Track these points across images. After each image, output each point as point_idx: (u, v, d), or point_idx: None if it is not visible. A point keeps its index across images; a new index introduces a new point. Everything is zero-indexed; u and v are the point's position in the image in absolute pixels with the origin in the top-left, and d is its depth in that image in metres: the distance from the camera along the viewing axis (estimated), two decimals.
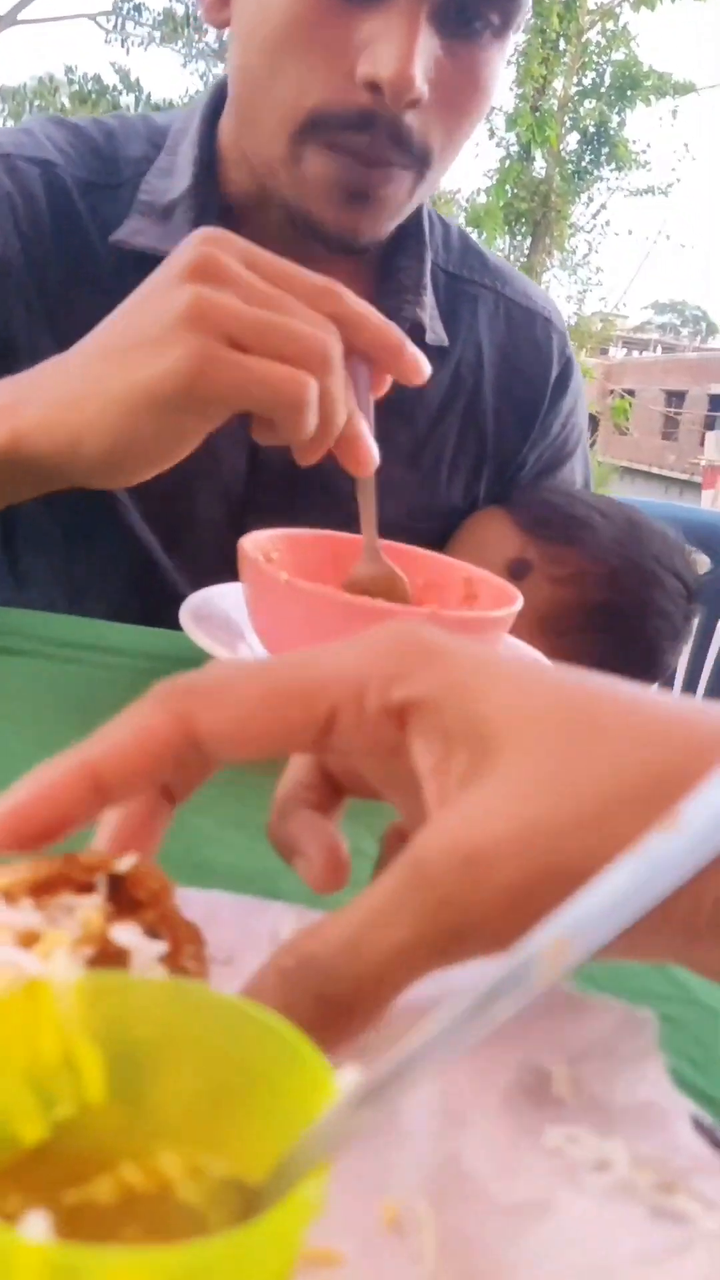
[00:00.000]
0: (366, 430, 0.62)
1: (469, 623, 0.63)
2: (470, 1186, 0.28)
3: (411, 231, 0.89)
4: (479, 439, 0.95)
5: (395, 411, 0.87)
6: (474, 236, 1.01)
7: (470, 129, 0.80)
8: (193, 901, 0.38)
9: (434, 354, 0.88)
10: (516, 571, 0.92)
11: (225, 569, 0.86)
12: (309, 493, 0.85)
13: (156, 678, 0.66)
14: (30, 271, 0.82)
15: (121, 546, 0.86)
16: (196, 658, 0.65)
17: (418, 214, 0.89)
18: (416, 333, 0.86)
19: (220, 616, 0.69)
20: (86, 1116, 0.25)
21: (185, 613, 0.66)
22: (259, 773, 0.58)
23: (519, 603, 0.66)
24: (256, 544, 0.68)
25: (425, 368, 0.62)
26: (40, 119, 0.88)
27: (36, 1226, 0.19)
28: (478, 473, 0.96)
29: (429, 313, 0.88)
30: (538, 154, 10.56)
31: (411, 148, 0.76)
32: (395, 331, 0.61)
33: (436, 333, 0.89)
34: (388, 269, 0.89)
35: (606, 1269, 0.26)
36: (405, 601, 0.66)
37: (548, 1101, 0.31)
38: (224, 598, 0.71)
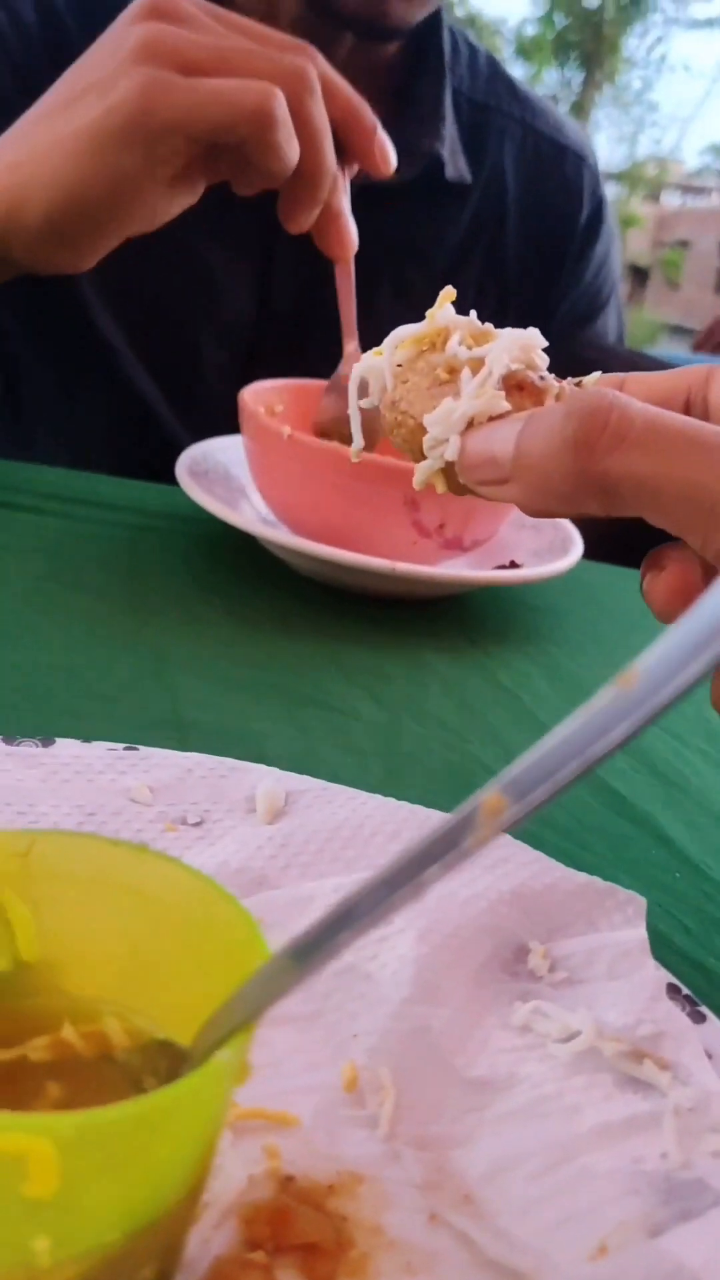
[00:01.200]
0: (346, 206, 0.57)
1: None
2: (434, 1057, 0.27)
3: (431, 55, 0.81)
4: (501, 283, 0.88)
5: (408, 251, 0.81)
6: (517, 68, 0.92)
7: None
8: (163, 763, 0.36)
9: (453, 191, 0.82)
10: None
11: (231, 420, 0.83)
12: (318, 338, 0.80)
13: (152, 534, 0.65)
14: (25, 98, 0.76)
15: (123, 399, 0.82)
16: (195, 514, 0.63)
17: (439, 34, 0.82)
18: (434, 168, 0.80)
19: (220, 471, 0.67)
20: (21, 973, 0.24)
21: (182, 468, 0.63)
22: (252, 634, 0.56)
23: None
24: (259, 395, 0.65)
25: (392, 159, 0.57)
26: None
27: None
28: (501, 321, 0.90)
29: (449, 146, 0.81)
30: None
31: None
32: (369, 113, 0.55)
33: (458, 168, 0.82)
34: (405, 96, 0.81)
35: (564, 1144, 0.26)
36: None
37: (523, 976, 0.30)
38: (224, 451, 0.68)
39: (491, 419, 0.30)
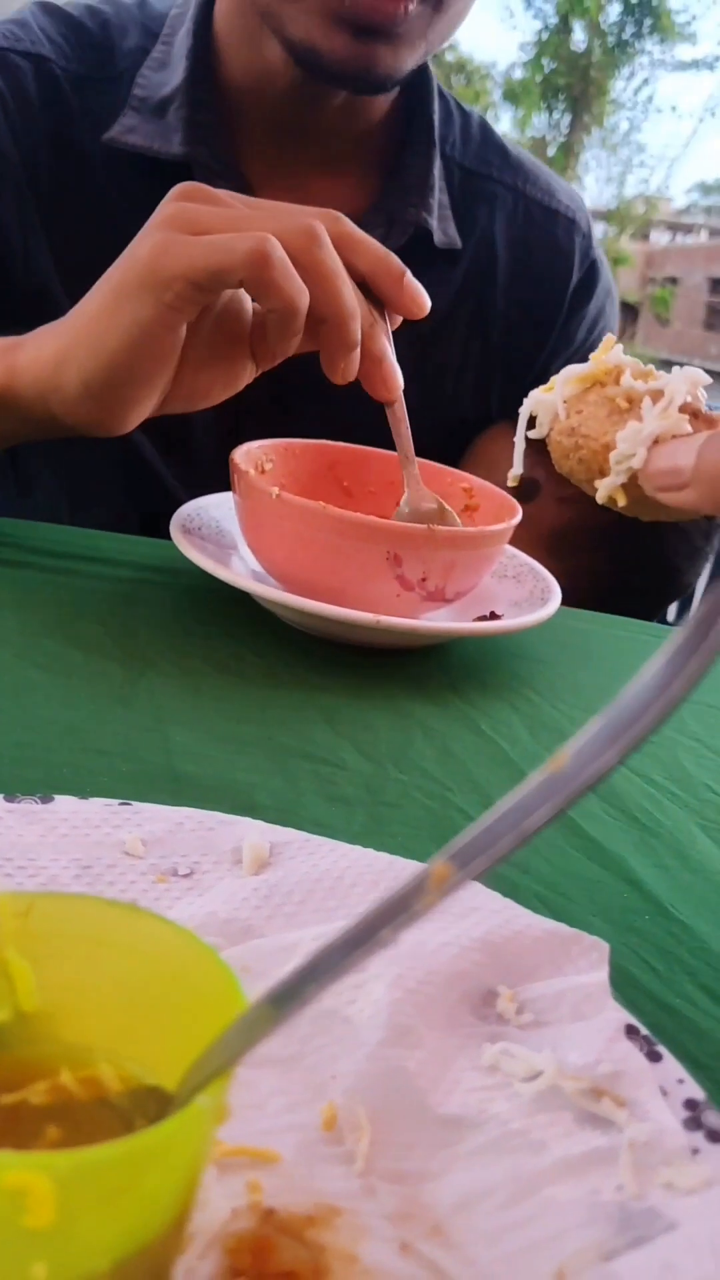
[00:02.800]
0: (390, 351, 0.60)
1: (466, 538, 0.62)
2: (408, 1097, 0.29)
3: (420, 125, 0.84)
4: (488, 348, 0.91)
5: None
6: (506, 112, 0.96)
7: None
8: (156, 817, 0.38)
9: (442, 257, 0.85)
10: (525, 491, 0.89)
11: (222, 473, 0.86)
12: (303, 395, 0.83)
13: (147, 589, 0.67)
14: (24, 169, 0.80)
15: (120, 453, 0.85)
16: (188, 568, 0.65)
17: (429, 103, 0.85)
18: (421, 236, 0.82)
19: (211, 527, 0.69)
20: (22, 1024, 0.26)
21: (175, 525, 0.66)
22: (242, 686, 0.58)
23: (518, 516, 0.65)
24: (249, 455, 0.67)
25: (425, 301, 0.60)
26: (33, 6, 0.84)
27: None
28: (488, 384, 0.92)
29: (436, 214, 0.84)
30: (576, 25, 9.99)
31: None
32: (396, 260, 0.59)
33: (447, 234, 0.85)
34: (394, 166, 0.85)
35: (530, 1177, 0.28)
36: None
37: (491, 1019, 0.32)
38: (216, 508, 0.71)
39: (673, 438, 0.36)
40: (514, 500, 0.67)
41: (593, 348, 0.98)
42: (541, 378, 0.94)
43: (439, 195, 0.84)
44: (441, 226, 0.84)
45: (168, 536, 0.72)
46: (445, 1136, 0.29)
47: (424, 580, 0.62)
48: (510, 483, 0.45)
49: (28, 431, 0.65)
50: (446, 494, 0.71)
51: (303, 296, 0.55)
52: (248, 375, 0.62)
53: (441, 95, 0.87)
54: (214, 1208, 0.26)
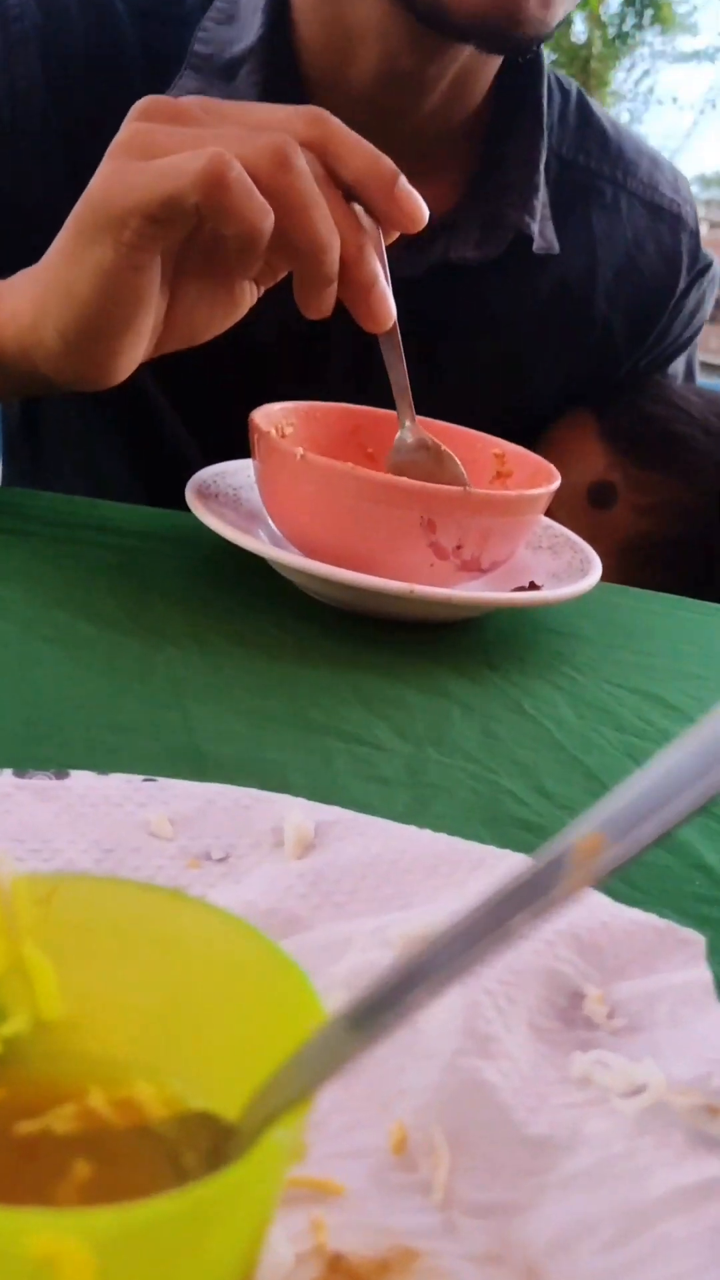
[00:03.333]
0: (381, 276, 0.54)
1: (504, 503, 0.58)
2: (490, 1115, 0.25)
3: (529, 108, 0.72)
4: (583, 354, 0.82)
5: (482, 322, 0.76)
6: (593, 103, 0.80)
7: None
8: (184, 794, 0.34)
9: (537, 261, 0.75)
10: (598, 498, 0.80)
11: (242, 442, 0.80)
12: (337, 361, 0.77)
13: (162, 560, 0.63)
14: (59, 119, 0.71)
15: (143, 425, 0.80)
16: (204, 538, 0.61)
17: (539, 84, 0.73)
18: (522, 242, 0.73)
19: (230, 494, 0.65)
20: (43, 1034, 0.22)
21: (191, 490, 0.62)
22: (267, 661, 0.54)
23: (556, 481, 0.61)
24: (269, 417, 0.63)
25: (421, 212, 0.52)
26: None
27: None
28: (576, 382, 0.83)
29: (539, 215, 0.72)
30: (577, 17, 9.93)
31: None
32: (386, 165, 0.52)
33: (546, 238, 0.74)
34: (494, 159, 0.73)
35: (638, 1211, 0.23)
36: (457, 483, 0.61)
37: (578, 1024, 0.28)
38: (235, 474, 0.67)
39: None
40: (550, 466, 0.63)
41: (682, 342, 0.91)
42: (635, 377, 0.86)
43: (541, 193, 0.74)
44: (541, 229, 0.74)
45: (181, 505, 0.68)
46: (534, 1161, 0.25)
47: (459, 548, 0.57)
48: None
49: (17, 388, 0.61)
50: (476, 460, 0.66)
51: (265, 218, 0.49)
52: (250, 298, 0.57)
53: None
54: (274, 1253, 0.22)
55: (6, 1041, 0.21)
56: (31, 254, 0.61)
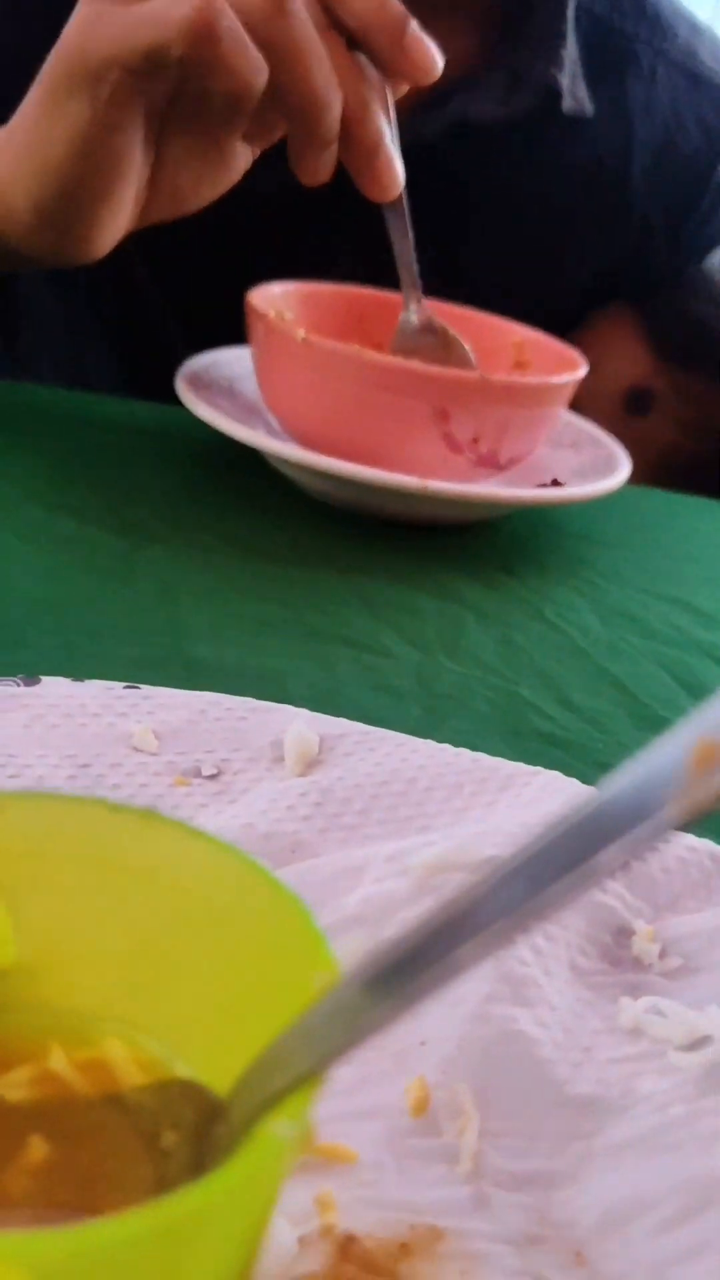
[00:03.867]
0: (387, 136, 0.49)
1: (524, 391, 0.53)
2: (526, 1070, 0.22)
3: None
4: (621, 233, 0.76)
5: (514, 194, 0.71)
6: None
7: None
8: (171, 704, 0.30)
9: (568, 126, 0.70)
10: (635, 404, 0.73)
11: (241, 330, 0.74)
12: (349, 231, 0.71)
13: (148, 454, 0.58)
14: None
15: (133, 325, 0.74)
16: (195, 432, 0.56)
17: None
18: (550, 99, 0.68)
19: (223, 386, 0.60)
20: (6, 980, 0.18)
21: (181, 380, 0.57)
22: (262, 563, 0.50)
23: (581, 369, 0.56)
24: (267, 299, 0.57)
25: (434, 61, 0.48)
26: None
27: None
28: (613, 273, 0.77)
29: (568, 72, 0.68)
30: None
31: None
32: (395, 8, 0.47)
33: (577, 97, 0.69)
34: (520, 11, 0.69)
35: (702, 1183, 0.20)
36: (465, 366, 0.55)
37: (626, 965, 0.24)
38: (230, 364, 0.61)
39: None
40: (575, 354, 0.58)
41: None
42: (676, 262, 0.80)
43: (572, 49, 0.69)
44: (572, 88, 0.69)
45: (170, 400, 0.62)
46: (579, 1125, 0.21)
47: (475, 441, 0.52)
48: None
49: None
50: (491, 349, 0.61)
51: (257, 74, 0.44)
52: (244, 161, 0.51)
53: None
54: (274, 1240, 0.18)
55: None
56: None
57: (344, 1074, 0.22)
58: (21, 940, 0.18)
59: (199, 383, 0.58)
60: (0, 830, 0.17)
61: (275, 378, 0.55)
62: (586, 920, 0.25)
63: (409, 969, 0.13)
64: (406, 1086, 0.22)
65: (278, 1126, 0.13)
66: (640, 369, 0.75)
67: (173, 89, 0.47)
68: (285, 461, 0.53)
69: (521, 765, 0.30)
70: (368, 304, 0.63)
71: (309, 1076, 0.14)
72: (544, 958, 0.23)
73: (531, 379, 0.55)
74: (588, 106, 0.70)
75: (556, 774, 0.30)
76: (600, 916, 0.25)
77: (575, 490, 0.53)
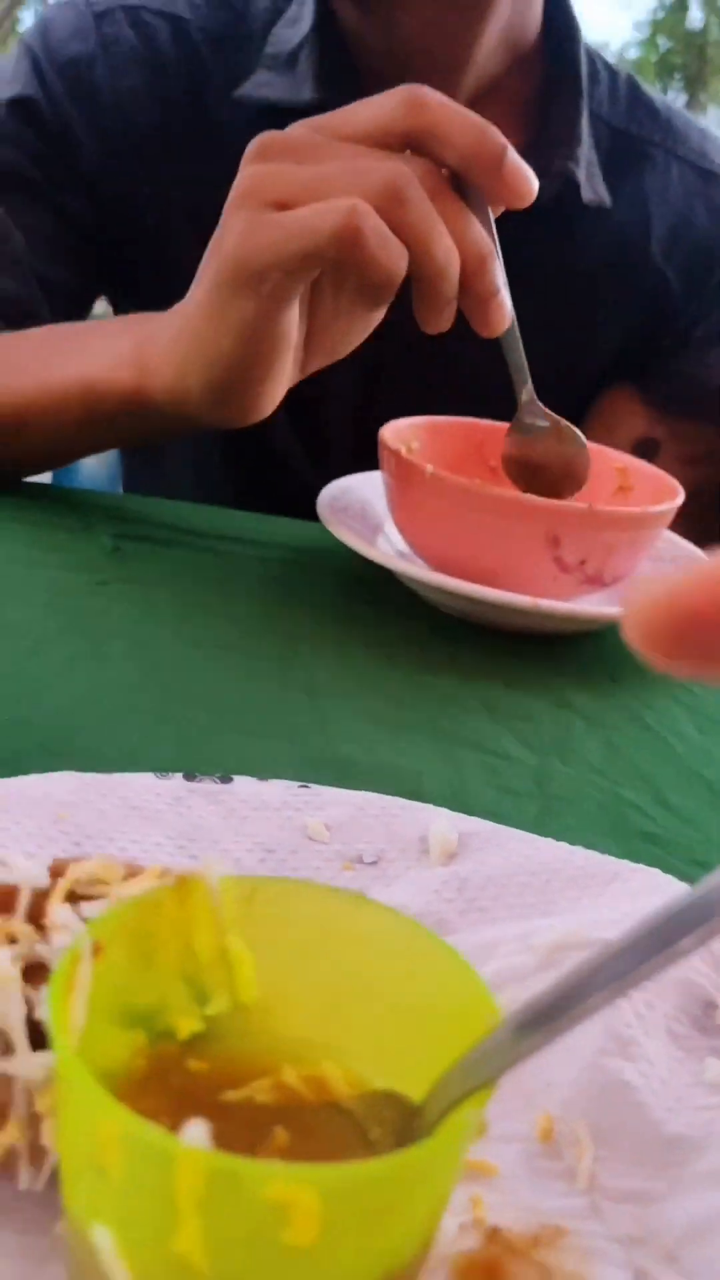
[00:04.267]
0: (498, 279, 0.55)
1: (628, 519, 0.59)
2: (631, 1112, 0.27)
3: (567, 77, 0.81)
4: (637, 312, 0.86)
5: (540, 276, 0.80)
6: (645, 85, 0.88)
7: None
8: (336, 801, 0.37)
9: (590, 215, 0.81)
10: (643, 452, 0.84)
11: (349, 444, 0.83)
12: (438, 364, 0.80)
13: (294, 569, 0.66)
14: (158, 128, 0.79)
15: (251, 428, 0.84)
16: (334, 549, 0.64)
17: (576, 53, 0.81)
18: (570, 190, 0.79)
19: (356, 508, 0.68)
20: (240, 1015, 0.25)
21: (323, 504, 0.65)
22: (397, 670, 0.57)
23: (680, 496, 0.62)
24: (396, 434, 0.65)
25: (532, 183, 0.53)
26: None
27: (197, 1133, 0.19)
28: (627, 347, 0.88)
29: (585, 168, 0.79)
30: (693, 3, 9.71)
31: None
32: (493, 139, 0.52)
33: (596, 190, 0.80)
34: (541, 119, 0.80)
35: None
36: (583, 465, 0.62)
37: (711, 1031, 0.30)
38: (361, 487, 0.69)
39: None
40: (674, 481, 0.64)
41: None
42: (681, 340, 0.90)
43: (588, 151, 0.80)
44: (590, 183, 0.80)
45: (292, 512, 0.71)
46: (673, 1156, 0.27)
47: (583, 563, 0.59)
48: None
49: (170, 430, 0.65)
50: (598, 474, 0.68)
51: (400, 261, 0.50)
52: (383, 308, 0.58)
53: (588, 53, 0.83)
54: (442, 1224, 0.24)
55: (209, 1020, 0.24)
56: (140, 252, 0.68)
57: (490, 1108, 0.28)
58: (262, 984, 0.25)
59: (336, 505, 0.66)
60: (254, 904, 0.24)
61: (406, 506, 0.62)
62: (679, 994, 0.30)
63: (545, 1018, 0.20)
64: (536, 1119, 0.28)
65: (466, 1112, 0.19)
66: (643, 424, 0.86)
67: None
68: (415, 580, 0.61)
69: (626, 863, 0.36)
70: (485, 433, 0.71)
71: (480, 1088, 0.20)
72: (645, 1022, 0.29)
73: (633, 509, 0.61)
74: (606, 198, 0.80)
75: (656, 871, 0.35)
76: (691, 991, 0.31)
77: None
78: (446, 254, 0.52)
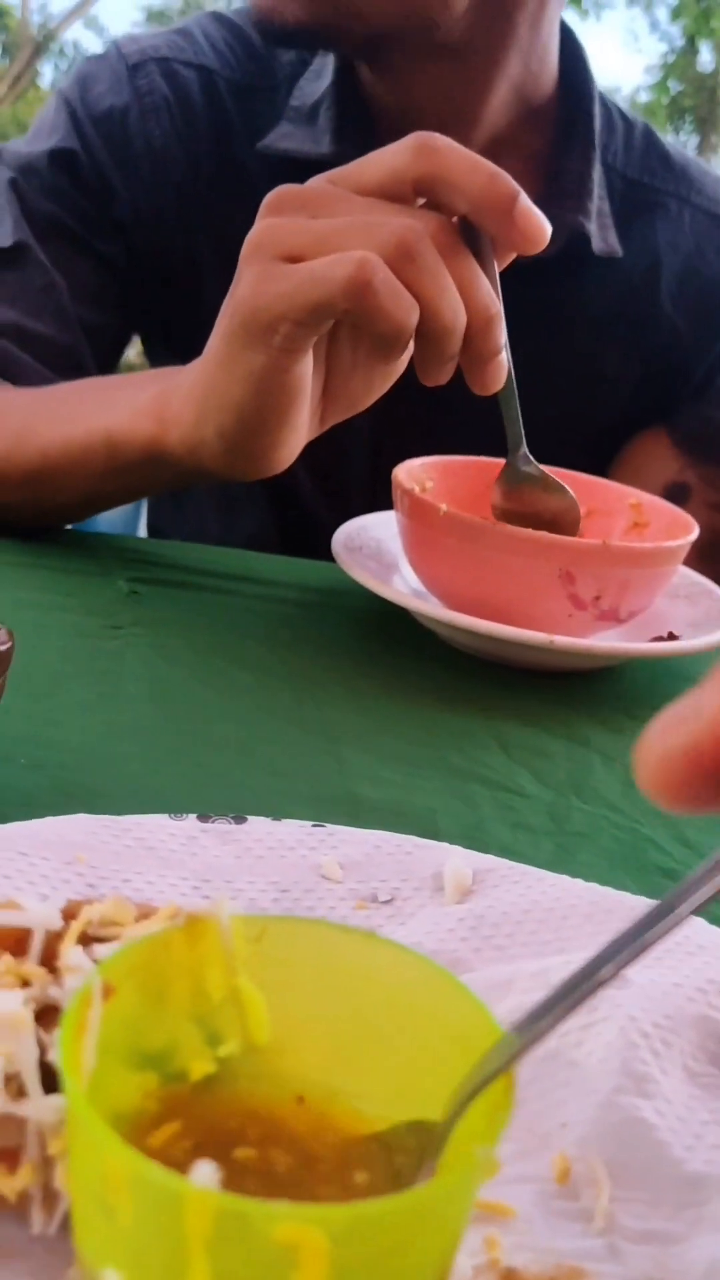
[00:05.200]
0: (503, 345, 0.55)
1: (642, 555, 0.59)
2: (649, 1150, 0.27)
3: (580, 131, 0.82)
4: (649, 358, 0.87)
5: (549, 323, 0.81)
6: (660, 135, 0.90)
7: None
8: (350, 840, 0.37)
9: (600, 264, 0.82)
10: (673, 496, 0.85)
11: (363, 485, 0.84)
12: (449, 406, 0.81)
13: (307, 609, 0.67)
14: (187, 175, 0.81)
15: (275, 483, 0.85)
16: (349, 589, 0.64)
17: (589, 107, 0.83)
18: (579, 242, 0.80)
19: (371, 547, 0.68)
20: (251, 1057, 0.25)
21: (338, 544, 0.65)
22: (411, 708, 0.57)
23: (695, 532, 0.62)
24: (411, 474, 0.66)
25: (544, 228, 0.53)
26: (200, 15, 0.86)
27: (205, 1173, 0.19)
28: (645, 394, 0.89)
29: (595, 220, 0.81)
30: (703, 46, 9.84)
31: None
32: (504, 185, 0.52)
33: (607, 241, 0.82)
34: (553, 172, 0.82)
35: None
36: (573, 519, 0.62)
37: None
38: (375, 527, 0.70)
39: None
40: (687, 516, 0.65)
41: None
42: (703, 388, 0.91)
43: (599, 202, 0.82)
44: (601, 234, 0.81)
45: (307, 552, 0.72)
46: (692, 1196, 0.27)
47: (598, 599, 0.59)
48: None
49: (188, 481, 0.66)
50: (612, 510, 0.68)
51: (411, 314, 0.51)
52: (402, 363, 0.59)
53: (603, 102, 0.84)
54: (456, 1265, 0.24)
55: (221, 1062, 0.24)
56: (170, 295, 0.69)
57: (503, 1149, 0.28)
58: (273, 1024, 0.25)
59: (351, 545, 0.67)
60: (264, 944, 0.24)
61: (420, 544, 0.63)
62: (696, 1031, 0.30)
63: (558, 997, 0.20)
64: (552, 1159, 0.27)
65: (477, 1150, 0.19)
66: (674, 469, 0.87)
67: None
68: (430, 618, 0.61)
69: (643, 899, 0.36)
70: (496, 471, 0.71)
71: (503, 1074, 0.20)
72: (662, 1059, 0.29)
73: (647, 544, 0.61)
74: (617, 249, 0.81)
75: None
76: (709, 1028, 0.30)
77: (688, 644, 0.59)
78: (454, 313, 0.53)
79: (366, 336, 0.56)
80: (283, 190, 0.55)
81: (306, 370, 0.55)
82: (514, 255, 0.56)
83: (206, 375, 0.58)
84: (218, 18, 0.85)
